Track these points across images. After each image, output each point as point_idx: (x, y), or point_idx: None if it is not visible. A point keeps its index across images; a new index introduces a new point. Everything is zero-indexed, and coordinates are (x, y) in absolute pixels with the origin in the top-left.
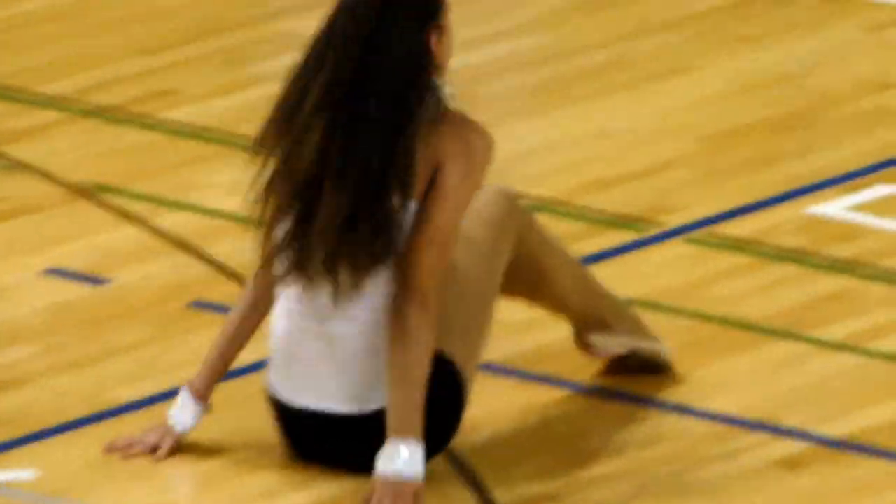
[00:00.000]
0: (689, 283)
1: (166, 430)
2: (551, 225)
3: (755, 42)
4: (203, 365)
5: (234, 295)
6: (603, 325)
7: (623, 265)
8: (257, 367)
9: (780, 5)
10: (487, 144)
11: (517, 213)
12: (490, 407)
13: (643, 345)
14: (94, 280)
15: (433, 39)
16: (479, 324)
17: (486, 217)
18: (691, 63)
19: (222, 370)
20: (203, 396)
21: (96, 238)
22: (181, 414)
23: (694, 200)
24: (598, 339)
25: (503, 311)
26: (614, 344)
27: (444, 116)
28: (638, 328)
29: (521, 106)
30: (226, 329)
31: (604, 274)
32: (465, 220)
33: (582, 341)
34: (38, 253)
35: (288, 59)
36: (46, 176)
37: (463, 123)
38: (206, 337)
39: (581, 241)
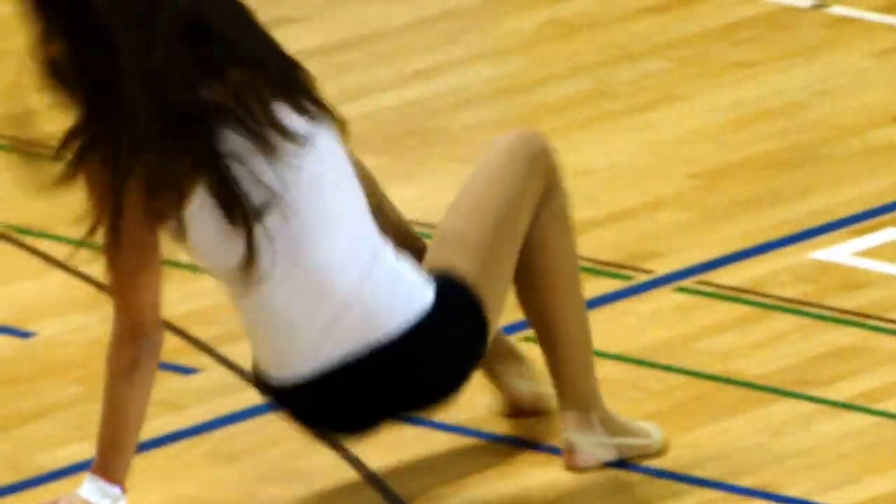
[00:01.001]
0: (681, 337)
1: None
2: None
3: (752, 69)
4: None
5: (173, 350)
6: (587, 404)
7: (607, 316)
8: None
9: (779, 28)
10: None
11: (547, 156)
12: (464, 469)
13: (633, 442)
14: (16, 332)
15: None
16: (502, 263)
17: (513, 151)
18: (680, 92)
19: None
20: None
21: (18, 286)
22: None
23: (685, 245)
24: (580, 440)
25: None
26: (600, 448)
27: None
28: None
29: (488, 139)
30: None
31: None
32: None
33: (564, 422)
34: None
35: None
36: None
37: None
38: None
39: None
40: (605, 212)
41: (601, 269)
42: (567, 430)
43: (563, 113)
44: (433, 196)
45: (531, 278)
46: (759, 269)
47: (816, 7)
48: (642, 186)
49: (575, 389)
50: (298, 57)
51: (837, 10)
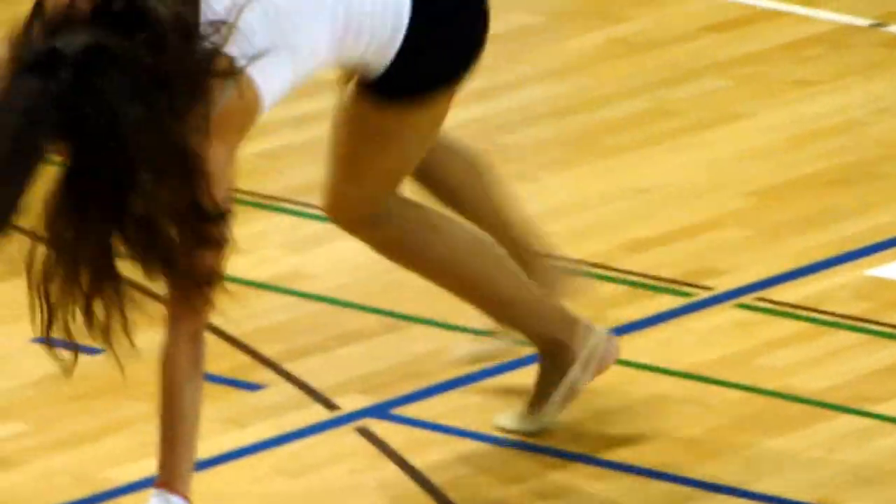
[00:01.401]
0: (740, 353)
1: None
2: (588, 288)
3: (810, 87)
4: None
5: (239, 367)
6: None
7: (667, 333)
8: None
9: (838, 46)
10: None
11: None
12: (528, 484)
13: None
14: (86, 349)
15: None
16: None
17: None
18: (739, 111)
19: None
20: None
21: None
22: None
23: (744, 262)
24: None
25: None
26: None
27: None
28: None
29: (551, 158)
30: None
31: (648, 342)
32: None
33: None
34: (26, 320)
35: None
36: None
37: None
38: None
39: (622, 307)
40: (665, 229)
41: (661, 286)
42: None
43: (624, 131)
44: None
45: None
46: (818, 285)
47: (875, 26)
48: (701, 204)
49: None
50: None
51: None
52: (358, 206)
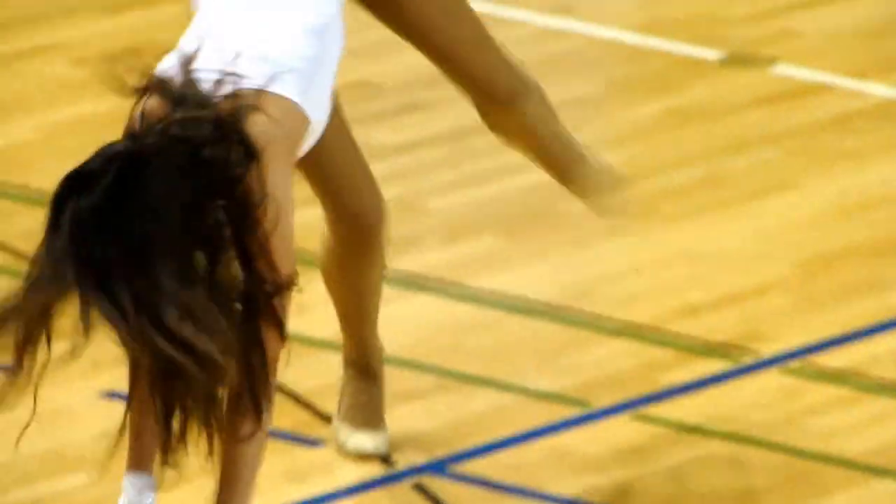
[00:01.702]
0: (785, 416)
1: None
2: (640, 351)
3: (859, 159)
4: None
5: (299, 423)
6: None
7: (715, 395)
8: None
9: (886, 119)
10: None
11: None
12: None
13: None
14: None
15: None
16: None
17: None
18: (789, 181)
19: None
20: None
21: None
22: None
23: (790, 328)
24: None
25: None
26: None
27: None
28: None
29: (606, 225)
30: None
31: (695, 404)
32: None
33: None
34: (95, 374)
35: None
36: None
37: None
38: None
39: (671, 370)
40: (715, 295)
41: (710, 349)
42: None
43: (677, 199)
44: (557, 277)
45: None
46: (862, 352)
47: None
48: (751, 271)
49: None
50: (430, 141)
51: None
52: (498, 90)
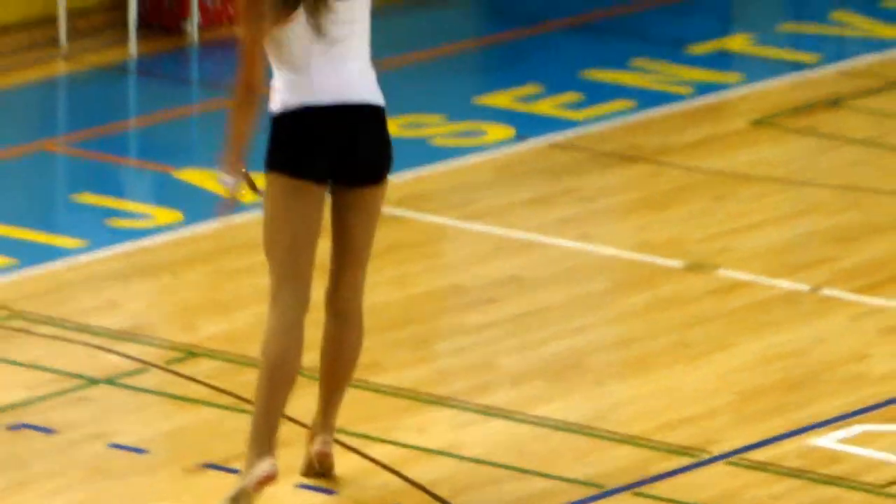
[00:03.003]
0: (729, 491)
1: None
2: (636, 453)
3: (776, 327)
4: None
5: None
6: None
7: (685, 479)
8: None
9: (792, 302)
10: None
11: None
12: None
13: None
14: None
15: None
16: None
17: None
18: (730, 342)
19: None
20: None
21: None
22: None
23: (731, 437)
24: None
25: None
26: None
27: None
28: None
29: (613, 371)
30: (249, 117)
31: (671, 485)
32: None
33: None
34: (291, 469)
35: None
36: None
37: None
38: None
39: (658, 464)
40: (685, 416)
41: (682, 450)
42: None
43: (659, 356)
44: (583, 405)
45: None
46: (777, 450)
47: None
48: (707, 400)
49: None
50: (498, 323)
51: None
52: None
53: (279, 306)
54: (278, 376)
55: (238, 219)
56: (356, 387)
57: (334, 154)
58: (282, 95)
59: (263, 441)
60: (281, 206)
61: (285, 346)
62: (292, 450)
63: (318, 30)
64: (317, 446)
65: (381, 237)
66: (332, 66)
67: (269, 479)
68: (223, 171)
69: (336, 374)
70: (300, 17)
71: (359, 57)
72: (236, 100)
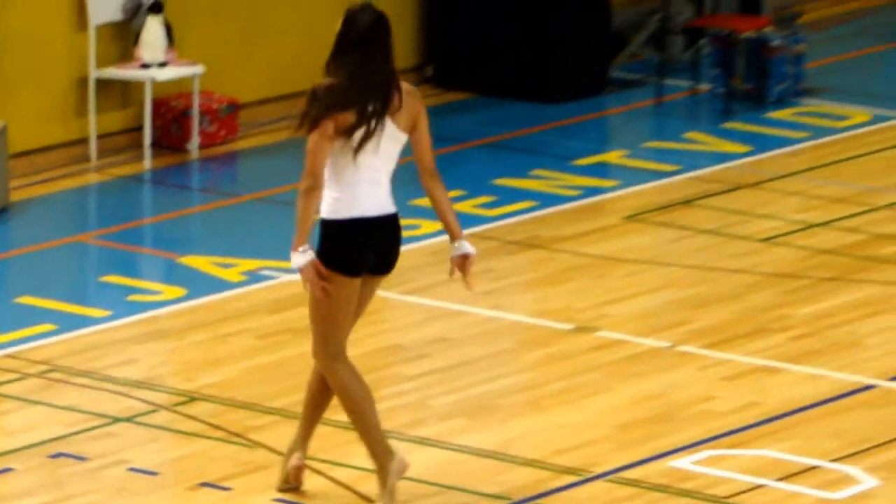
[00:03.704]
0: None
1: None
2: (537, 473)
3: (644, 377)
4: (303, 232)
5: None
6: None
7: (574, 492)
8: None
9: (657, 357)
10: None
11: None
12: None
13: None
14: None
15: None
16: None
17: None
18: (606, 387)
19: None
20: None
21: None
22: (301, 257)
23: (608, 461)
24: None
25: None
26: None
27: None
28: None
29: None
30: (311, 208)
31: (565, 497)
32: None
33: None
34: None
35: None
36: None
37: (416, 93)
38: None
39: (552, 482)
40: (573, 444)
41: (572, 471)
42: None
43: (554, 399)
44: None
45: None
46: (641, 471)
47: None
48: (591, 434)
49: None
50: None
51: None
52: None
53: (344, 361)
54: (368, 404)
55: (229, 294)
56: (321, 423)
57: (376, 254)
58: (337, 206)
59: (386, 449)
60: (336, 296)
61: (362, 384)
62: (269, 472)
63: (374, 150)
64: (293, 462)
65: None
66: (378, 182)
67: (406, 467)
68: (299, 254)
69: (321, 406)
70: (358, 138)
71: (390, 174)
72: (307, 195)
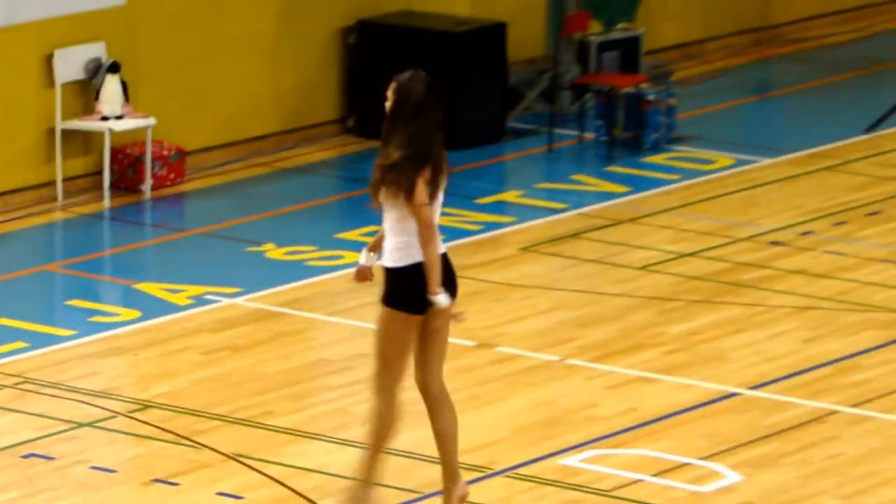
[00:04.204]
0: (505, 496)
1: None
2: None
3: (539, 387)
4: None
5: None
6: None
7: (478, 487)
8: None
9: (546, 369)
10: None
11: None
12: None
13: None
14: None
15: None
16: None
17: None
18: (501, 396)
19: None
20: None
21: None
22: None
23: (505, 458)
24: None
25: None
26: None
27: None
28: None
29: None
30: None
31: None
32: None
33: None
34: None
35: None
36: None
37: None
38: None
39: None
40: (475, 444)
41: (476, 469)
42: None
43: (475, 394)
44: None
45: None
46: (540, 467)
47: None
48: (493, 437)
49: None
50: None
51: None
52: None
53: (394, 396)
54: (391, 435)
55: (177, 316)
56: (256, 426)
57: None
58: (413, 252)
59: (373, 473)
60: (406, 335)
61: (396, 420)
62: (213, 469)
63: (437, 200)
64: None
65: (271, 328)
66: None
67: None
68: (442, 293)
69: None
70: (434, 191)
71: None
72: (434, 242)
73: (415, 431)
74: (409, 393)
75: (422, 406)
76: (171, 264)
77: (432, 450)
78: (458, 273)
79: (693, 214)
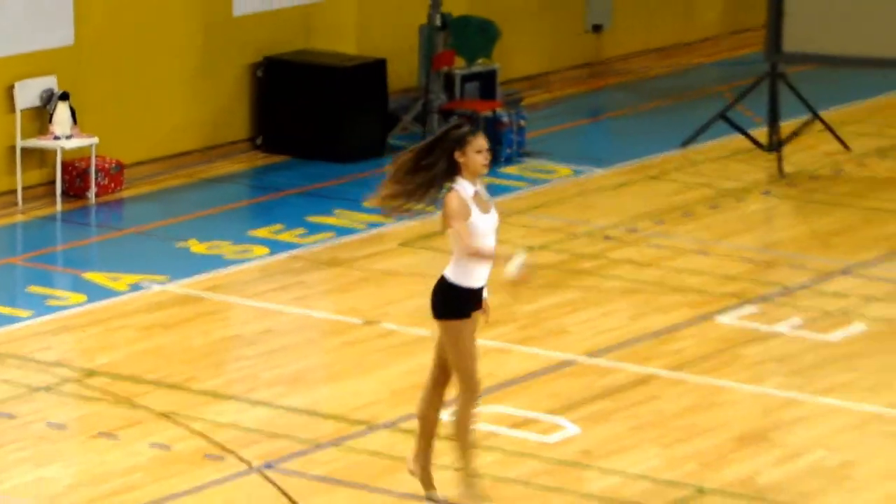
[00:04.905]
0: (386, 445)
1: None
2: (335, 425)
3: (412, 355)
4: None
5: None
6: None
7: (358, 441)
8: None
9: (420, 343)
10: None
11: None
12: None
13: None
14: None
15: (457, 155)
16: None
17: None
18: (387, 365)
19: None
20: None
21: None
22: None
23: (389, 413)
24: None
25: None
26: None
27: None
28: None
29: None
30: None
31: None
32: None
33: None
34: None
35: None
36: None
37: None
38: None
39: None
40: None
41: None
42: None
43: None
44: None
45: None
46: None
47: None
48: None
49: None
50: None
51: None
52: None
53: (475, 395)
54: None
55: (117, 300)
56: (183, 390)
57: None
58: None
59: (421, 455)
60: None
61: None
62: (146, 426)
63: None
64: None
65: (195, 309)
66: None
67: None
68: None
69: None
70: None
71: None
72: (488, 258)
73: (309, 394)
74: (309, 361)
75: (314, 374)
76: (112, 257)
77: (326, 408)
78: (348, 264)
79: (540, 215)
